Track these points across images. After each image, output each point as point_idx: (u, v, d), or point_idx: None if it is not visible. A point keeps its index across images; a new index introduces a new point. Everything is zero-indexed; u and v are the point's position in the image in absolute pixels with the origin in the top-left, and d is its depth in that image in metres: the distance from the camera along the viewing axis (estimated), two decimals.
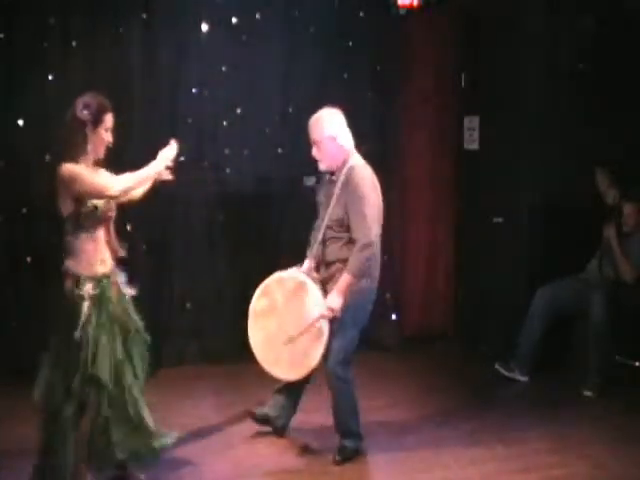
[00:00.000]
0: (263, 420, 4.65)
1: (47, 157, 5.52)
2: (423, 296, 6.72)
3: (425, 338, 6.55)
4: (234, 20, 5.85)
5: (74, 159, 3.72)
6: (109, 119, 3.80)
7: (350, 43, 6.17)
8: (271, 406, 4.65)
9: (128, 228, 5.66)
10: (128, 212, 5.61)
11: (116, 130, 5.33)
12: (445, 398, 5.41)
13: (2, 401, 5.14)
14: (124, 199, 3.86)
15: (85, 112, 3.73)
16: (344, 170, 4.24)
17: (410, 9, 6.23)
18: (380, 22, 6.21)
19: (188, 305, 5.93)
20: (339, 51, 6.11)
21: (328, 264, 4.33)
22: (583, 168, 5.76)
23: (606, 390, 5.40)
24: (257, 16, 5.90)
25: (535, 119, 5.85)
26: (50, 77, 5.49)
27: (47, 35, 5.45)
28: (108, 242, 3.83)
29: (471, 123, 6.41)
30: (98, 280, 3.72)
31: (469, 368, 6.08)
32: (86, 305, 3.68)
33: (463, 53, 6.47)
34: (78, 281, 3.69)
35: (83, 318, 3.66)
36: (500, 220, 6.13)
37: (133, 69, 5.63)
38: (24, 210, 5.53)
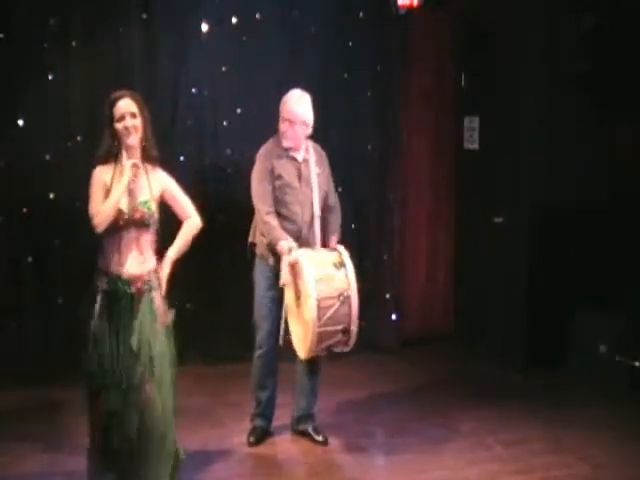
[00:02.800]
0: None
1: (47, 157, 5.55)
2: (423, 296, 6.72)
3: (425, 338, 6.54)
4: (234, 20, 5.85)
5: (104, 160, 3.64)
6: (117, 109, 3.61)
7: (350, 43, 6.16)
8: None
9: None
10: None
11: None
12: (445, 398, 5.41)
13: (2, 401, 5.14)
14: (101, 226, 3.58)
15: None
16: (308, 147, 4.48)
17: (410, 9, 6.22)
18: (380, 22, 6.20)
19: (188, 305, 5.92)
20: (339, 51, 6.11)
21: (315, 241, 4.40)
22: (583, 167, 5.77)
23: (606, 390, 5.41)
24: (257, 16, 5.89)
25: (535, 119, 5.84)
26: (50, 77, 5.49)
27: (47, 35, 5.45)
28: (138, 249, 3.65)
29: (471, 123, 6.40)
30: (113, 279, 3.62)
31: (469, 368, 6.08)
32: (99, 297, 3.64)
33: (463, 53, 6.47)
34: (99, 273, 3.67)
35: (96, 309, 3.64)
36: (500, 220, 6.12)
37: (133, 69, 5.63)
38: (24, 210, 5.53)
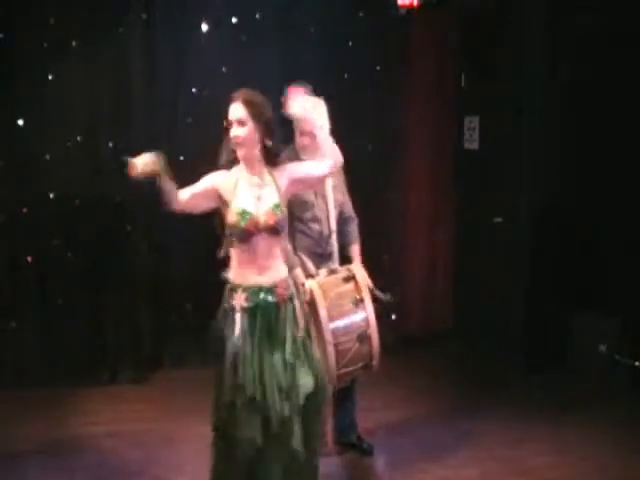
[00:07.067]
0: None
1: (47, 157, 5.55)
2: (423, 296, 6.72)
3: (425, 338, 6.54)
4: (234, 20, 5.86)
5: (222, 165, 3.46)
6: (229, 115, 3.32)
7: (350, 43, 6.17)
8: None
9: (129, 228, 5.67)
10: (129, 212, 5.68)
11: (116, 131, 5.29)
12: (445, 398, 5.41)
13: (2, 401, 5.13)
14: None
15: None
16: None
17: (410, 9, 6.22)
18: (380, 22, 6.21)
19: (188, 305, 5.92)
20: (339, 51, 6.11)
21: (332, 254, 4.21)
22: (583, 167, 5.77)
23: (606, 390, 5.40)
24: (257, 16, 5.90)
25: (535, 119, 5.84)
26: (50, 77, 5.50)
27: (47, 35, 5.45)
28: (272, 256, 3.35)
29: (471, 123, 6.41)
30: (254, 292, 3.32)
31: (469, 368, 6.08)
32: (238, 316, 3.34)
33: (463, 53, 6.47)
34: (233, 290, 3.38)
35: (236, 330, 3.33)
36: (500, 220, 6.13)
37: (133, 69, 5.63)
38: (24, 210, 5.53)
